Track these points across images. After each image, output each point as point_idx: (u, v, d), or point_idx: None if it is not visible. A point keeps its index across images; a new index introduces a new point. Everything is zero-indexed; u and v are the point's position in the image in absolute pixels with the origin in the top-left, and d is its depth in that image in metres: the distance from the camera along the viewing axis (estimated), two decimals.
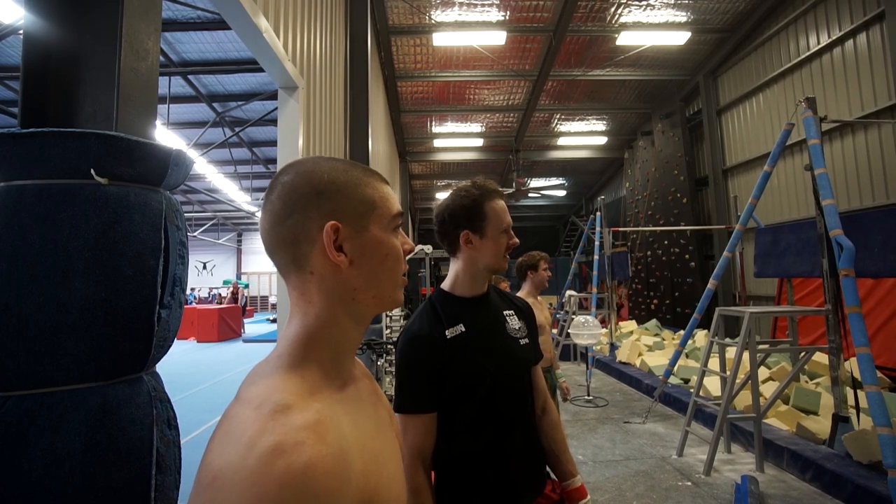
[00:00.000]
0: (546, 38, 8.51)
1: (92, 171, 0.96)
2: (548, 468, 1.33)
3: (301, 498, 0.41)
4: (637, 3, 7.68)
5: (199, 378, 7.71)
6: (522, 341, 1.28)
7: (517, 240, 1.29)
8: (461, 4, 7.64)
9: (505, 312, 1.31)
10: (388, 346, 4.24)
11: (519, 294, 3.10)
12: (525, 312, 1.37)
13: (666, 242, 10.86)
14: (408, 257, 0.65)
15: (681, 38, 8.43)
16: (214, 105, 9.50)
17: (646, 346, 7.51)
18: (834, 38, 6.73)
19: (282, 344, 0.56)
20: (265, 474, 0.40)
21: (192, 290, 21.47)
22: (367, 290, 0.58)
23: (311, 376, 0.53)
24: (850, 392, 3.52)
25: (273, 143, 12.05)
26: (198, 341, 12.65)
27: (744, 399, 4.32)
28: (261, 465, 0.41)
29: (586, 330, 5.40)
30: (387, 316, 5.82)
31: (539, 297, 3.24)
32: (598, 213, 8.44)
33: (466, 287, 1.27)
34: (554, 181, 17.36)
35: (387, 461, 0.58)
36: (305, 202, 0.56)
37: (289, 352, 0.54)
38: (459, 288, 1.28)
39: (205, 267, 24.90)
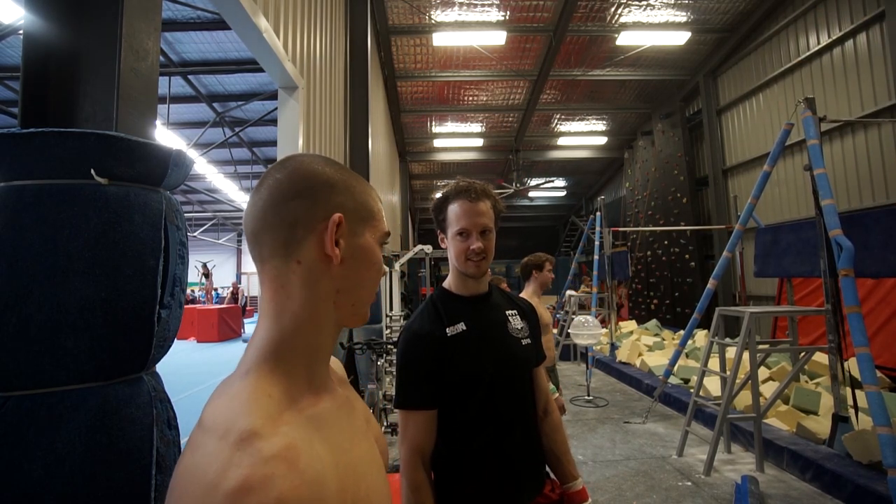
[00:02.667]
0: (546, 38, 8.51)
1: (92, 171, 0.96)
2: (547, 468, 1.32)
3: None
4: (637, 3, 7.68)
5: (199, 378, 7.71)
6: (524, 342, 1.28)
7: (478, 244, 1.18)
8: (461, 4, 7.64)
9: (507, 312, 1.30)
10: (388, 346, 4.23)
11: (522, 293, 3.11)
12: (528, 313, 1.36)
13: (666, 242, 10.86)
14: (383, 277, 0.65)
15: (681, 38, 8.44)
16: (214, 105, 9.50)
17: (646, 346, 7.51)
18: (834, 38, 6.73)
19: (249, 355, 0.53)
20: None
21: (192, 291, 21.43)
22: (349, 293, 0.58)
23: (279, 392, 0.50)
24: (848, 392, 3.52)
25: (273, 143, 12.05)
26: (198, 341, 12.65)
27: (744, 399, 4.31)
28: None
29: (586, 330, 5.40)
30: (387, 316, 5.81)
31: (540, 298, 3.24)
32: (598, 213, 8.43)
33: (461, 286, 1.28)
34: (554, 181, 17.35)
35: (365, 472, 0.56)
36: (317, 189, 0.56)
37: (258, 365, 0.51)
38: (455, 286, 1.28)
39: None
